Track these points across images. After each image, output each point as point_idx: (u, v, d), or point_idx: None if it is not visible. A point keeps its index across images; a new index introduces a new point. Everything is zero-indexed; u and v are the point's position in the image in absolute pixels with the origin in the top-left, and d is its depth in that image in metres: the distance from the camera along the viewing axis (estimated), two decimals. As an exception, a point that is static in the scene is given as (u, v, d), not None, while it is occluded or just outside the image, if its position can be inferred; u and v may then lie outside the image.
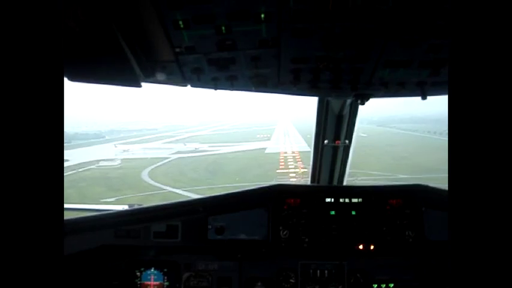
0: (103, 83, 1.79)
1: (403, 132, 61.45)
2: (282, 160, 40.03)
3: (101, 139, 68.28)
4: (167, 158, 46.08)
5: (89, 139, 64.24)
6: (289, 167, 34.92)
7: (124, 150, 51.46)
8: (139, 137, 74.86)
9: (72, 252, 2.87)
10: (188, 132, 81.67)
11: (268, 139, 61.21)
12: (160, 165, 41.60)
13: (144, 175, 35.15)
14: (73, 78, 1.71)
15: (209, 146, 54.48)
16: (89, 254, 3.01)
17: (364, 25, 1.46)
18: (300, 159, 37.42)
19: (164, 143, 61.74)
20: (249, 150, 50.71)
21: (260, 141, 58.60)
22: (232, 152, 49.60)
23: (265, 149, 50.25)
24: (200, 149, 52.99)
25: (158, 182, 31.72)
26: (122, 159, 43.72)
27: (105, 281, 3.13)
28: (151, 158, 44.95)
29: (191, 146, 54.16)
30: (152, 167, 39.96)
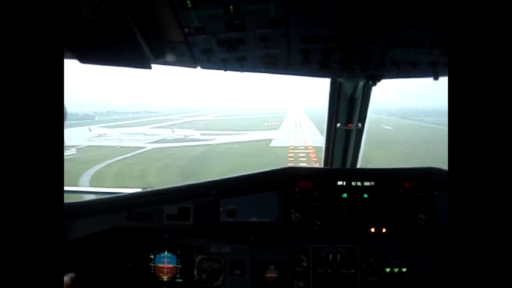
0: (113, 65, 1.80)
1: (434, 127, 51.37)
2: (291, 158, 29.79)
3: (89, 120, 62.56)
4: (142, 147, 37.03)
5: (77, 120, 57.63)
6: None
7: (99, 135, 43.73)
8: (134, 119, 69.01)
9: (86, 234, 2.93)
10: (190, 117, 75.00)
11: (277, 128, 51.70)
12: (127, 157, 32.49)
13: (88, 175, 25.49)
14: (83, 60, 1.72)
15: (201, 134, 45.08)
16: (102, 235, 3.00)
17: (374, 3, 1.45)
18: (315, 158, 27.39)
19: (152, 128, 53.32)
20: (249, 141, 41.04)
21: (266, 130, 49.42)
22: (227, 143, 39.93)
23: (270, 140, 40.36)
24: (190, 137, 44.28)
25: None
26: (79, 148, 34.84)
27: (120, 263, 3.15)
28: (122, 147, 35.71)
29: (180, 133, 45.33)
30: (112, 160, 30.79)
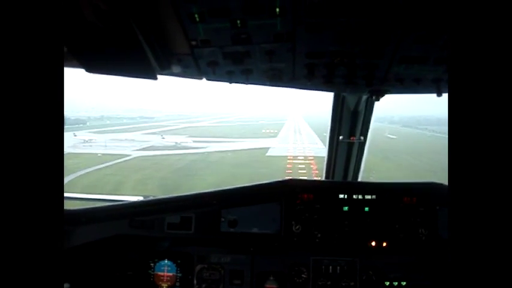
0: (119, 75, 1.84)
1: (441, 136, 48.27)
2: (290, 171, 26.91)
3: (80, 125, 60.57)
4: (126, 155, 34.11)
5: (68, 124, 55.24)
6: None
7: (85, 141, 41.31)
8: (127, 125, 66.76)
9: (87, 241, 2.94)
10: (186, 123, 72.66)
11: (275, 136, 48.91)
12: (106, 166, 29.57)
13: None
14: (90, 70, 1.75)
15: (194, 142, 42.27)
16: (103, 243, 3.02)
17: (379, 20, 1.48)
18: (316, 170, 24.40)
19: (143, 134, 50.68)
20: (244, 149, 38.16)
21: (264, 138, 46.62)
22: (220, 152, 37.03)
23: (267, 149, 37.49)
24: (182, 144, 41.37)
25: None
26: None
27: (120, 271, 3.15)
28: (104, 155, 32.87)
29: (171, 140, 42.46)
30: (89, 170, 27.76)
